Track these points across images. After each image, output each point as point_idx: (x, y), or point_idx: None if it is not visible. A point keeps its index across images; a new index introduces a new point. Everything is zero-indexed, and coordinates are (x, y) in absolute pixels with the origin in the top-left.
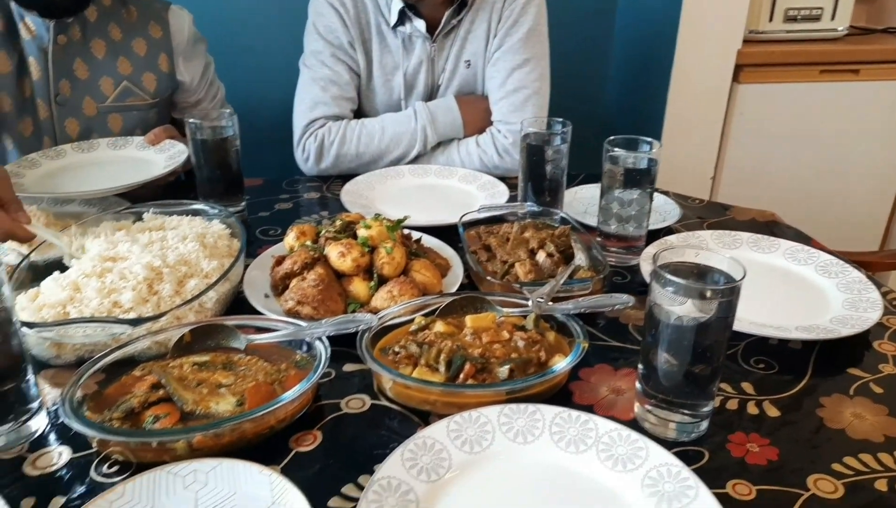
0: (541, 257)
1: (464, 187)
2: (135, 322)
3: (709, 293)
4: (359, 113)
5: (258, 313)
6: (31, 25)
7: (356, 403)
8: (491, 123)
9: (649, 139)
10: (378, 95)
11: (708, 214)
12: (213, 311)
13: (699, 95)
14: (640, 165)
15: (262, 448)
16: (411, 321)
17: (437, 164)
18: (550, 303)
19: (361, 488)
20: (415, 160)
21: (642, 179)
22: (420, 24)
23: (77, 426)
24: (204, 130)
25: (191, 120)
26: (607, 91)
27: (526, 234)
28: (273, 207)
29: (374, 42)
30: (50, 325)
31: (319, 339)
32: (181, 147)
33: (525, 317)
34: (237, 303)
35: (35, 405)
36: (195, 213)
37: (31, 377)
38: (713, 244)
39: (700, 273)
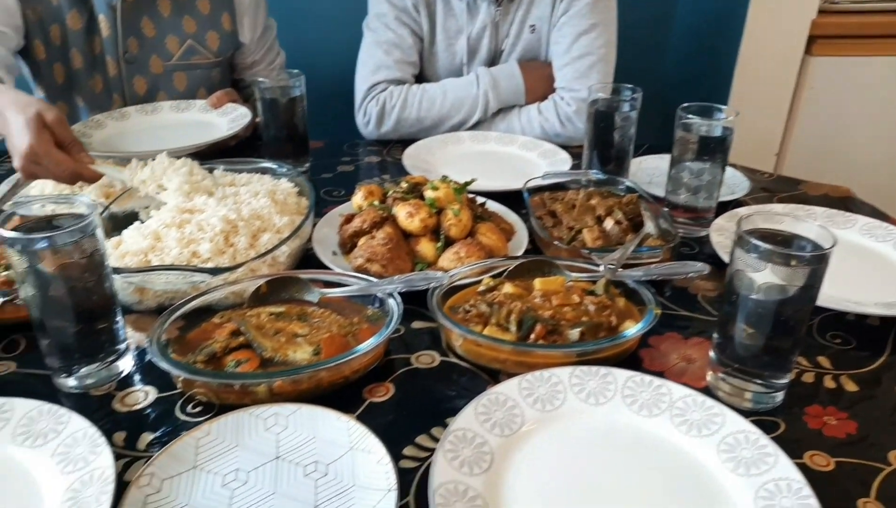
0: (608, 224)
1: (524, 155)
2: (214, 271)
3: (794, 261)
4: (420, 78)
5: (327, 268)
6: None
7: (426, 359)
8: (553, 91)
9: (723, 106)
10: (440, 60)
11: (778, 188)
12: (285, 265)
13: (769, 66)
14: (714, 133)
15: (337, 396)
16: (478, 282)
17: (497, 130)
18: (621, 269)
19: (434, 439)
20: (474, 127)
21: (716, 147)
22: None
23: (165, 365)
24: (272, 89)
25: (260, 79)
26: (667, 60)
27: (592, 201)
28: (335, 169)
29: (438, 5)
30: (136, 271)
31: (391, 295)
32: (243, 110)
33: (594, 282)
34: (306, 259)
35: (123, 346)
36: (264, 171)
37: (119, 319)
38: (781, 225)
39: (785, 241)
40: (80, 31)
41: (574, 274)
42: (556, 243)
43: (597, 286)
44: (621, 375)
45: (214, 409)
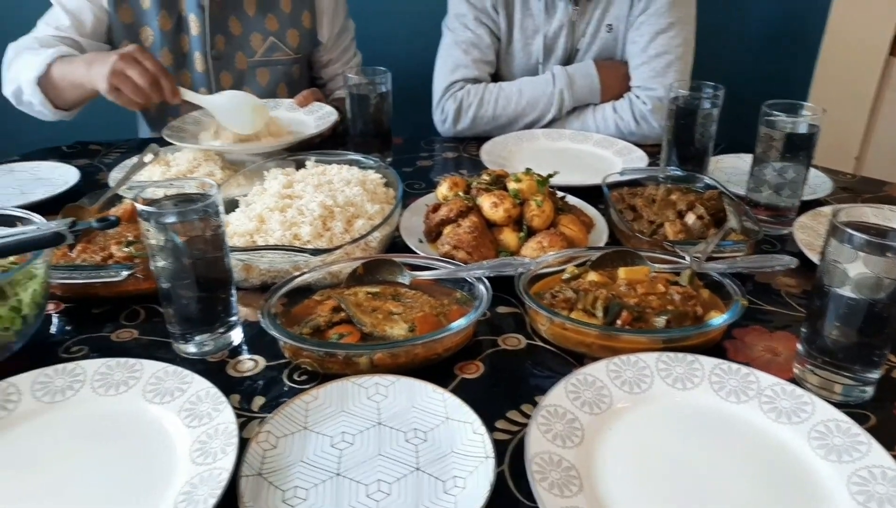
0: (690, 218)
1: (599, 152)
2: (315, 252)
3: (890, 253)
4: (495, 76)
5: (413, 254)
6: None
7: (512, 341)
8: (628, 89)
9: (808, 104)
10: (516, 59)
11: (861, 188)
12: (376, 250)
13: (851, 67)
14: (799, 130)
15: (431, 371)
16: (561, 271)
17: (571, 129)
18: (706, 262)
19: (524, 414)
20: (548, 125)
21: (801, 145)
22: None
23: (277, 334)
24: (361, 85)
25: (350, 76)
26: (743, 59)
27: (672, 197)
28: (414, 163)
29: (516, 5)
30: (247, 249)
31: (480, 280)
32: (329, 109)
33: (677, 274)
34: (393, 245)
35: (235, 318)
36: (352, 162)
37: (234, 292)
38: (873, 220)
39: (880, 234)
40: (170, 30)
41: (658, 265)
42: (637, 235)
43: (681, 277)
44: (708, 362)
45: (318, 378)
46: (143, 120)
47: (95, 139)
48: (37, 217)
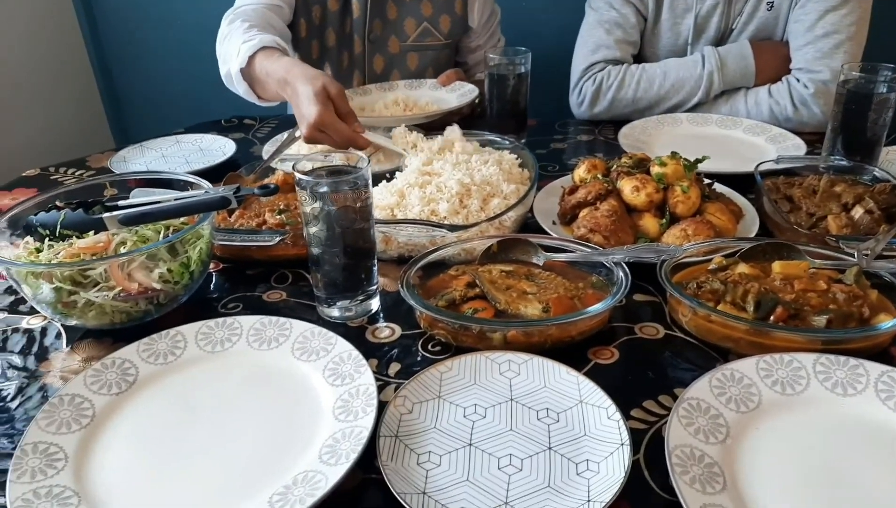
0: (857, 212)
1: (750, 139)
2: (452, 228)
3: None
4: (638, 58)
5: (548, 235)
6: None
7: (650, 330)
8: (787, 72)
9: None
10: (662, 39)
11: None
12: (510, 229)
13: None
14: None
15: (562, 353)
16: (706, 261)
17: (720, 113)
18: (876, 260)
19: (662, 405)
20: (694, 109)
21: None
22: None
23: (415, 303)
24: (501, 65)
25: (490, 55)
26: None
27: (836, 188)
28: (548, 145)
29: None
30: (390, 222)
31: (619, 265)
32: (470, 87)
33: (840, 271)
34: (525, 225)
35: (375, 286)
36: (487, 143)
37: (375, 262)
38: None
39: None
40: (337, 12)
41: (818, 261)
42: (795, 227)
43: (846, 275)
44: (874, 368)
45: (451, 350)
46: None
47: (250, 114)
48: (205, 183)
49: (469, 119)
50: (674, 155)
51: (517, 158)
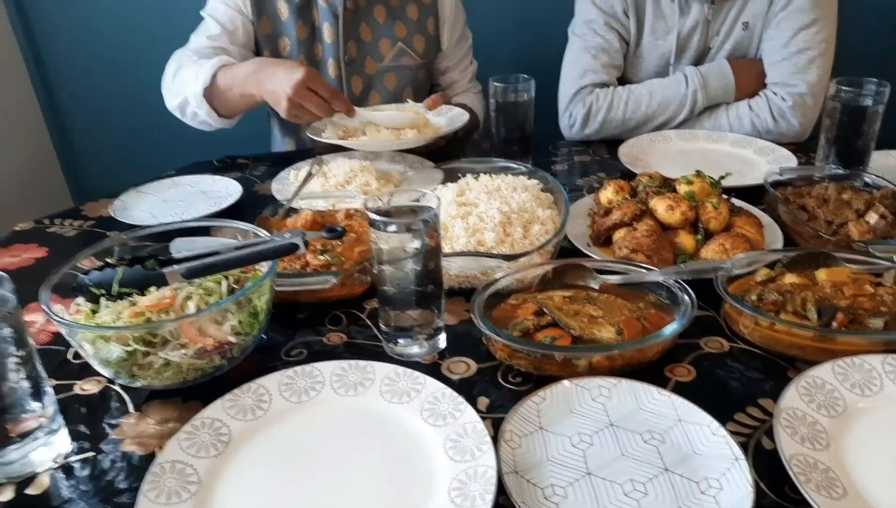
0: (872, 217)
1: (737, 152)
2: (509, 257)
3: None
4: (622, 79)
5: (586, 256)
6: None
7: (714, 344)
8: (763, 87)
9: None
10: (645, 61)
11: None
12: (551, 253)
13: None
14: None
15: (640, 374)
16: (749, 273)
17: (703, 128)
18: None
19: (752, 417)
20: (679, 125)
21: None
22: None
23: (495, 336)
24: (506, 93)
25: (495, 83)
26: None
27: (844, 196)
28: (550, 167)
29: (648, 8)
30: (452, 254)
31: (680, 284)
32: (458, 110)
33: (877, 275)
34: (561, 249)
35: (442, 322)
36: (503, 169)
37: (443, 298)
38: None
39: None
40: (305, 39)
41: (854, 267)
42: (822, 235)
43: (885, 278)
44: None
45: (532, 379)
46: (276, 131)
47: (235, 153)
48: (261, 231)
49: (461, 141)
50: (698, 173)
51: (538, 183)
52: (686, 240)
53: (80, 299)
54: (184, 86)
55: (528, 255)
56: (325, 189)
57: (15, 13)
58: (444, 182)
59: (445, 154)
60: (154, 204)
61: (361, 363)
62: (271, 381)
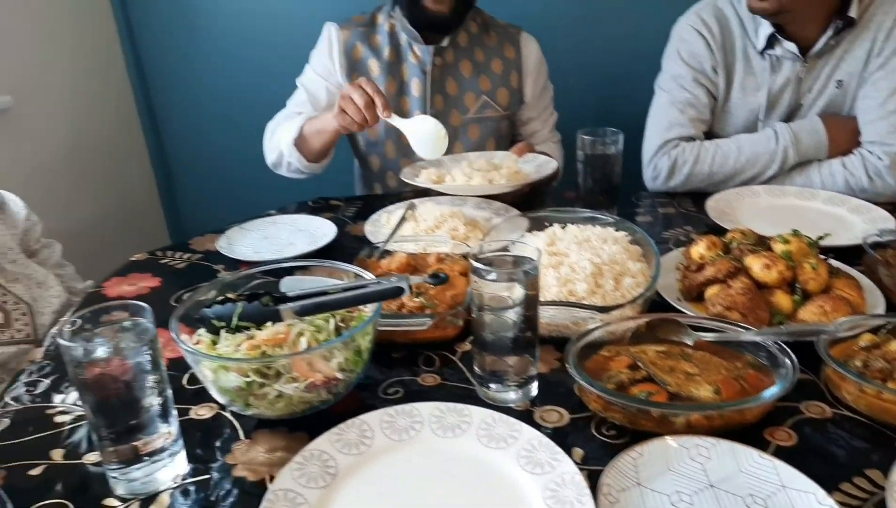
0: None
1: (831, 210)
2: (603, 309)
3: None
4: (709, 133)
5: (677, 311)
6: (417, 52)
7: (815, 409)
8: (857, 145)
9: None
10: (733, 116)
11: None
12: (641, 306)
13: None
14: None
15: (740, 435)
16: (850, 337)
17: (793, 184)
18: None
19: (859, 488)
20: (768, 180)
21: None
22: (791, 46)
23: (592, 388)
24: (594, 145)
25: (583, 136)
26: None
27: None
28: (634, 218)
29: (737, 65)
30: (554, 304)
31: (781, 346)
32: (545, 158)
33: None
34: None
35: (535, 370)
36: (590, 219)
37: (537, 348)
38: None
39: None
40: (394, 93)
41: None
42: None
43: None
44: None
45: (626, 433)
46: (358, 178)
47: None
48: (366, 273)
49: (545, 192)
50: (795, 233)
51: (626, 235)
52: (783, 300)
53: (202, 330)
54: (279, 142)
55: (622, 308)
56: (416, 233)
57: (133, 65)
58: (530, 230)
59: (528, 202)
60: (256, 240)
61: (459, 406)
62: (374, 418)
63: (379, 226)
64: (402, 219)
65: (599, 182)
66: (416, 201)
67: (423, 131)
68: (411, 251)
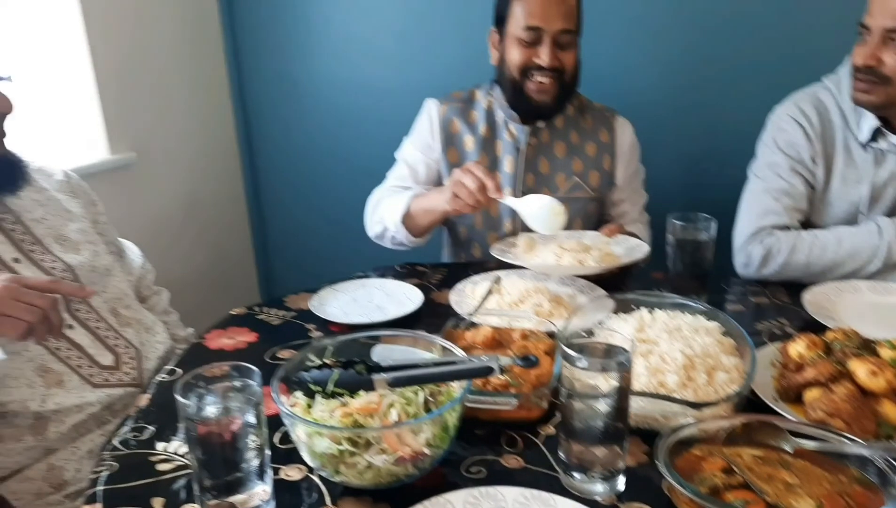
0: None
1: None
2: (697, 405)
3: None
4: (805, 223)
5: (773, 412)
6: (512, 130)
7: None
8: None
9: None
10: (833, 207)
11: None
12: (734, 405)
13: None
14: None
15: None
16: None
17: None
18: None
19: None
20: (868, 276)
21: None
22: None
23: (684, 489)
24: (685, 230)
25: (674, 220)
26: None
27: None
28: (724, 306)
29: (837, 157)
30: (646, 395)
31: (892, 464)
32: (635, 242)
33: None
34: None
35: (623, 463)
36: (679, 306)
37: (627, 440)
38: None
39: None
40: (487, 169)
41: None
42: None
43: None
44: None
45: None
46: (447, 245)
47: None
48: (457, 349)
49: (631, 272)
50: None
51: (719, 326)
52: (891, 411)
53: (299, 392)
54: (384, 216)
55: (717, 405)
56: (501, 306)
57: (242, 129)
58: (616, 311)
59: (612, 280)
60: (345, 302)
61: (544, 494)
62: (458, 498)
63: (463, 296)
64: (489, 293)
65: (689, 267)
66: (500, 273)
67: (538, 208)
68: (496, 325)
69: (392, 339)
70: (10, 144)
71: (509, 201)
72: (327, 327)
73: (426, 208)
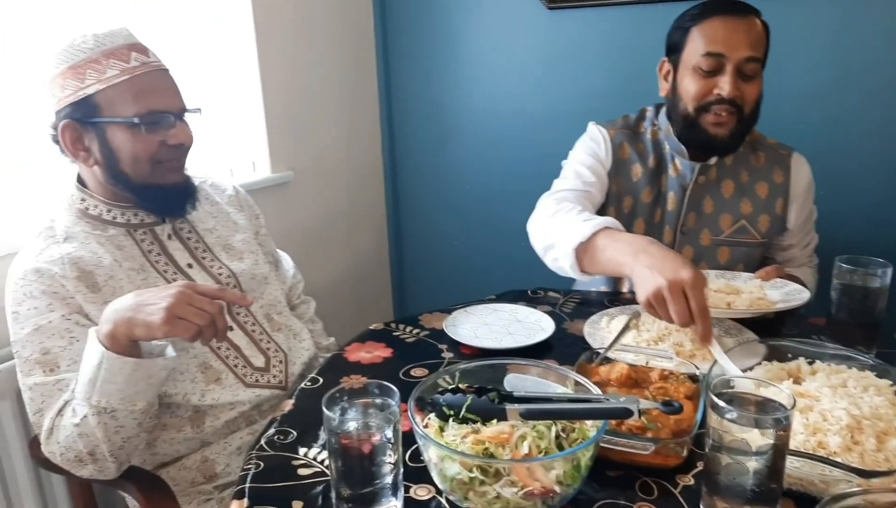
0: None
1: None
2: (865, 473)
3: None
4: None
5: None
6: (678, 166)
7: None
8: None
9: None
10: None
11: None
12: None
13: None
14: None
15: None
16: None
17: None
18: None
19: None
20: None
21: None
22: None
23: None
24: (854, 275)
25: (842, 264)
26: None
27: None
28: (894, 361)
29: None
30: (792, 454)
31: None
32: (796, 287)
33: None
34: None
35: None
36: (845, 358)
37: (779, 503)
38: None
39: None
40: (649, 203)
41: None
42: None
43: None
44: None
45: None
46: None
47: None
48: (593, 387)
49: (799, 319)
50: None
51: (890, 384)
52: None
53: (433, 414)
54: (559, 235)
55: (890, 476)
56: (638, 343)
57: (388, 150)
58: (768, 358)
59: (763, 322)
60: (477, 325)
61: None
62: None
63: (597, 328)
64: (626, 328)
65: (856, 316)
66: (639, 307)
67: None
68: (632, 363)
69: (523, 368)
70: (190, 169)
71: (719, 356)
72: (458, 348)
73: (613, 258)
